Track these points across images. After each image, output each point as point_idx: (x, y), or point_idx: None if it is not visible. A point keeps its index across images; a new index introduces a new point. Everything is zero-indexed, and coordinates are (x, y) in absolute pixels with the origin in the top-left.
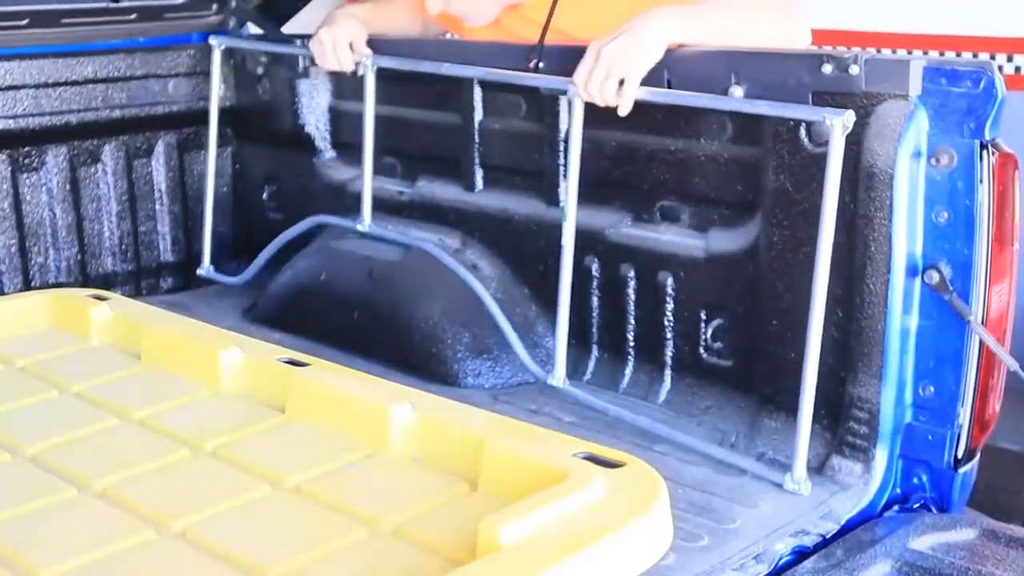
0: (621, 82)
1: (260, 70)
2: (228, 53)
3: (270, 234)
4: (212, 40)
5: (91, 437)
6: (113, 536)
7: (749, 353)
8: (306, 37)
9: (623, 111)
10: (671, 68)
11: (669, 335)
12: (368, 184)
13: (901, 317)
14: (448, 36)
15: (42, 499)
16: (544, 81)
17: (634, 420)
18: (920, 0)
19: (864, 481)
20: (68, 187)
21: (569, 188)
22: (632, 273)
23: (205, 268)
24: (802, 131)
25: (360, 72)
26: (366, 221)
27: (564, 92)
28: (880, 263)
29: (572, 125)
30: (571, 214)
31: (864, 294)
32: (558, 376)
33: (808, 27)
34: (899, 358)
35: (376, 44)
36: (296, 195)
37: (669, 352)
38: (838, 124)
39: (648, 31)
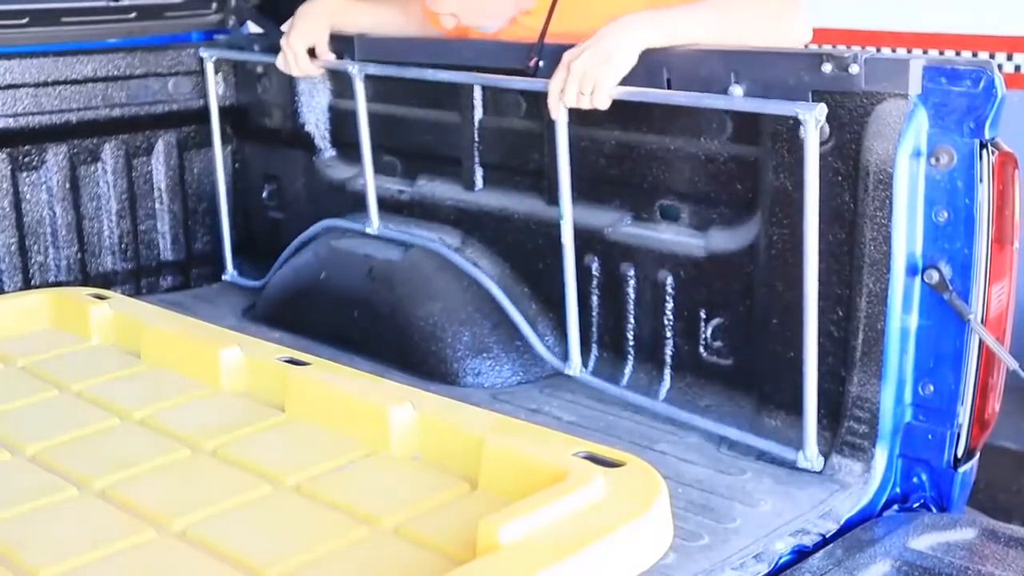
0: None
1: (260, 68)
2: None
3: (269, 233)
4: (203, 52)
5: (91, 436)
6: (113, 536)
7: (749, 352)
8: None
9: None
10: (671, 67)
11: (669, 334)
12: (371, 189)
13: (901, 316)
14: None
15: (42, 499)
16: (530, 84)
17: (652, 406)
18: None
19: (864, 480)
20: (68, 186)
21: (562, 194)
22: (632, 272)
23: (229, 274)
24: (801, 130)
25: (319, 76)
26: (374, 224)
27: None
28: (880, 262)
29: (558, 134)
30: (567, 216)
31: (864, 293)
32: (574, 366)
33: (807, 25)
34: (899, 357)
35: (371, 43)
36: (296, 194)
37: (669, 351)
38: (810, 119)
39: (618, 41)
